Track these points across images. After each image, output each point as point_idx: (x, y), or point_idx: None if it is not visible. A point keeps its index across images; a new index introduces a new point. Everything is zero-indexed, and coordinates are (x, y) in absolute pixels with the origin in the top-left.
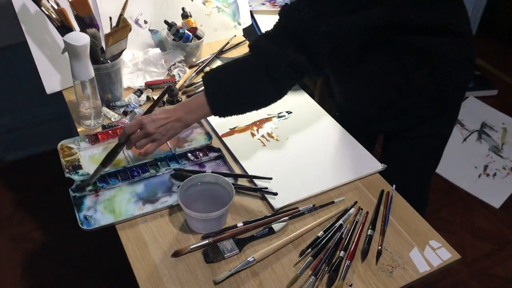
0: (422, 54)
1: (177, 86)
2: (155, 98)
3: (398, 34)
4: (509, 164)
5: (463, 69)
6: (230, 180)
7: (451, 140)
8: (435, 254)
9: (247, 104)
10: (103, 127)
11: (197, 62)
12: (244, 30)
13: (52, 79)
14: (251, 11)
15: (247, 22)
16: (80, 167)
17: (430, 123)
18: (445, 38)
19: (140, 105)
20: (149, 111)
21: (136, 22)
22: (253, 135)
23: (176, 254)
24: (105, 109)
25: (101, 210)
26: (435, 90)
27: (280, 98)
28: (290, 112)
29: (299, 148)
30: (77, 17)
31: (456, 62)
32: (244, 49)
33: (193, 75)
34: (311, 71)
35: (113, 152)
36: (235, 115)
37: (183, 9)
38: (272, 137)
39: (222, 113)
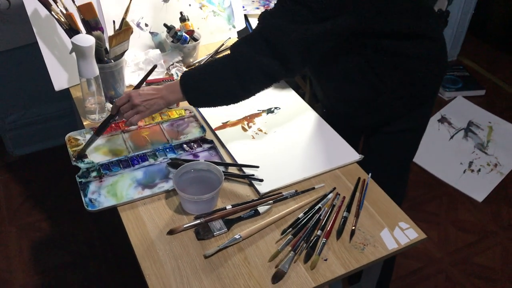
0: (393, 56)
1: None
2: None
3: (368, 38)
4: (493, 161)
5: (434, 69)
6: (220, 168)
7: (439, 137)
8: (404, 234)
9: (215, 100)
10: None
11: (194, 62)
12: (239, 32)
13: (60, 77)
14: (245, 15)
15: (241, 25)
16: (85, 156)
17: (405, 119)
18: (415, 41)
19: None
20: (137, 87)
21: (138, 25)
22: (243, 129)
23: (171, 232)
24: (108, 105)
25: (104, 194)
26: (409, 89)
27: (246, 98)
28: (279, 108)
29: (285, 140)
30: (83, 21)
31: (427, 63)
32: None
33: None
34: (284, 75)
35: (106, 123)
36: (208, 107)
37: (181, 13)
38: (261, 130)
39: (194, 104)
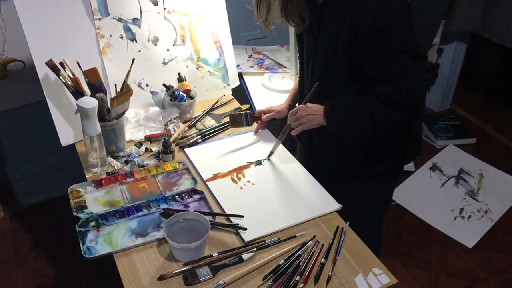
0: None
1: (172, 138)
2: (153, 149)
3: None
4: (483, 207)
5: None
6: (208, 217)
7: (430, 184)
8: (377, 279)
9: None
10: (108, 174)
11: (190, 118)
12: (233, 89)
13: (67, 134)
14: (240, 73)
15: (235, 83)
16: (85, 207)
17: (382, 172)
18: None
19: (140, 155)
20: (304, 102)
21: (139, 85)
22: (233, 180)
23: (161, 277)
24: (109, 159)
25: (101, 242)
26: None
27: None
28: (267, 159)
29: (271, 191)
30: (88, 83)
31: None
32: (231, 106)
33: (185, 129)
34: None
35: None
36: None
37: (179, 74)
38: (249, 181)
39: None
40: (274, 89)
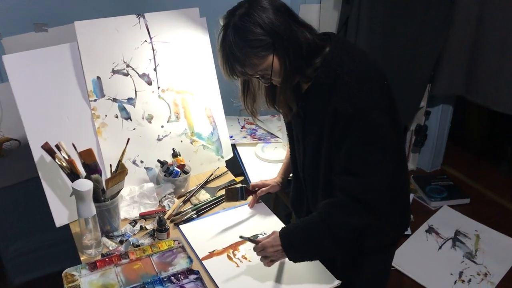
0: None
1: (166, 215)
2: (148, 227)
3: None
4: (483, 270)
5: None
6: None
7: (427, 248)
8: None
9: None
10: (102, 255)
11: (185, 193)
12: (227, 161)
13: (61, 214)
14: (233, 144)
15: (229, 155)
16: None
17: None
18: None
19: (134, 234)
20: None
21: (134, 162)
22: (229, 257)
23: None
24: (104, 239)
25: None
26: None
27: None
28: (263, 234)
29: (268, 268)
30: (84, 164)
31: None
32: (226, 179)
33: (180, 204)
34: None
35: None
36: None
37: (173, 149)
38: (246, 258)
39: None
40: (267, 159)
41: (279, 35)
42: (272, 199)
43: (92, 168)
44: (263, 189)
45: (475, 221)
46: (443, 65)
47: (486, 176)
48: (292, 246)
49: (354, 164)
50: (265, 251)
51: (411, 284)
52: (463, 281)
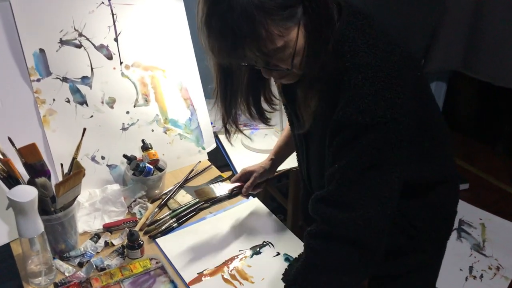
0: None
1: (138, 226)
2: (115, 243)
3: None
4: (494, 263)
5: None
6: None
7: None
8: None
9: None
10: (55, 284)
11: (160, 195)
12: (209, 153)
13: None
14: (215, 132)
15: (211, 145)
16: None
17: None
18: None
19: (97, 252)
20: None
21: (93, 159)
22: (225, 279)
23: None
24: (57, 262)
25: None
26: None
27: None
28: (268, 245)
29: None
30: (25, 165)
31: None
32: (210, 175)
33: (155, 210)
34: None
35: None
36: None
37: (143, 141)
38: (246, 278)
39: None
40: (256, 149)
41: None
42: (261, 196)
43: (37, 169)
44: (248, 184)
45: (479, 208)
46: (439, 38)
47: (481, 158)
48: None
49: (345, 193)
50: None
51: None
52: (474, 277)
